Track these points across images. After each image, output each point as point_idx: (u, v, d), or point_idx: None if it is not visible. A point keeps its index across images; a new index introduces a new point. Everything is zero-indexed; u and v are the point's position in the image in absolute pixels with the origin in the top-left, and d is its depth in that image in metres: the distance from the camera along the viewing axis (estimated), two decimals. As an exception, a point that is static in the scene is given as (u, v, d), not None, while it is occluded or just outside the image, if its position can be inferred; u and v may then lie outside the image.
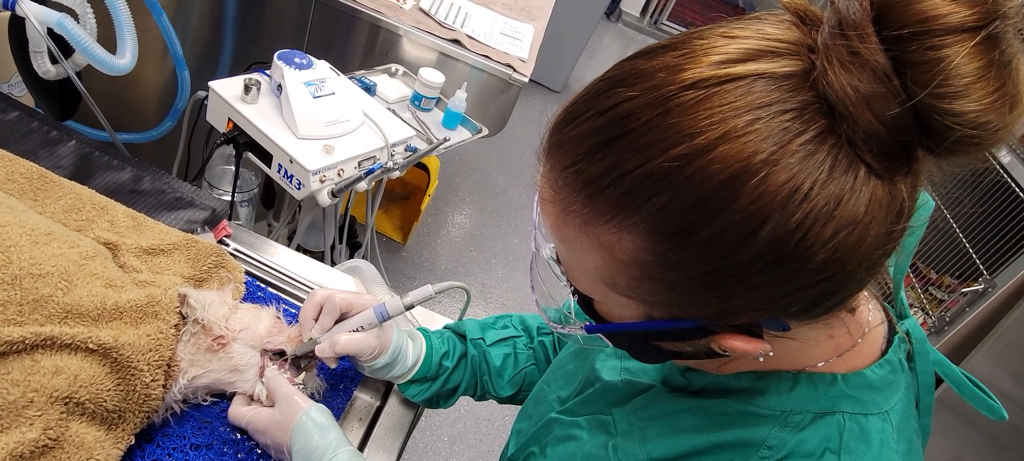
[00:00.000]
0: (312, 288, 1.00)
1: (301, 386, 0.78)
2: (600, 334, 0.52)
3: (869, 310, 0.53)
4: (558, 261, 0.52)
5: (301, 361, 0.79)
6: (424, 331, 0.88)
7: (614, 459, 0.57)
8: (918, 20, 0.35)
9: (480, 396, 0.90)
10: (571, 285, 0.50)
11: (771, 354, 0.45)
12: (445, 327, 0.92)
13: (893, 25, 0.36)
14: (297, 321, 0.81)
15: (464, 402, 2.23)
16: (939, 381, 0.55)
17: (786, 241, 0.38)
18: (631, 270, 0.43)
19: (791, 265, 0.39)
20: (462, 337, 0.90)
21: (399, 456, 0.86)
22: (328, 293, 0.79)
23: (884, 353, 0.51)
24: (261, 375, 0.78)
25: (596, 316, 0.51)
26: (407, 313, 0.81)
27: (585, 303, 0.51)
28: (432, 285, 0.76)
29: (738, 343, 0.45)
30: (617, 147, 0.40)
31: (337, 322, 0.79)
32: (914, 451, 0.51)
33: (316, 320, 0.79)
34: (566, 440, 0.64)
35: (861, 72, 0.36)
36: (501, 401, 0.91)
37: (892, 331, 0.53)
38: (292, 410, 0.72)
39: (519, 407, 0.84)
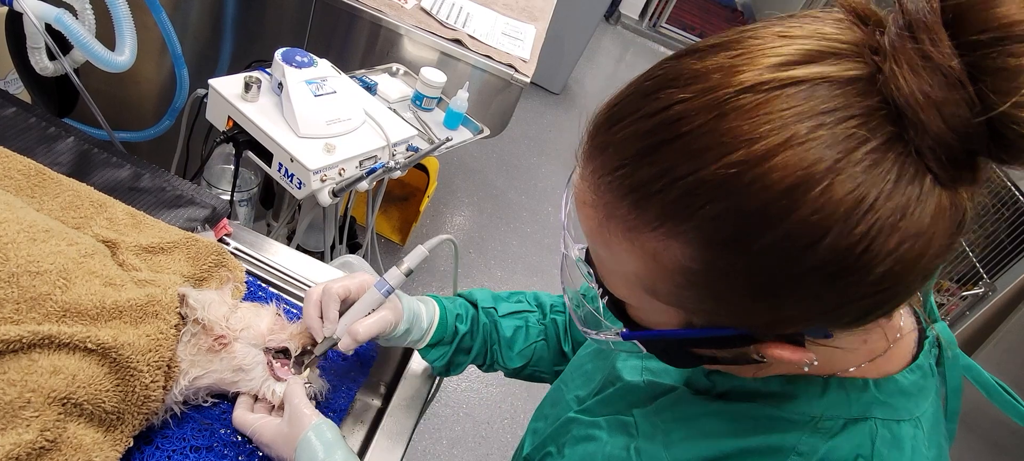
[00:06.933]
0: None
1: (307, 385, 0.76)
2: (635, 340, 0.50)
3: (902, 314, 0.52)
4: (588, 261, 0.50)
5: (304, 358, 0.78)
6: (434, 297, 0.87)
7: None
8: (997, 25, 0.33)
9: (488, 366, 0.89)
10: (601, 287, 0.49)
11: (816, 363, 0.44)
12: (457, 294, 0.91)
13: (969, 30, 0.34)
14: (299, 318, 0.79)
15: (463, 405, 2.21)
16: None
17: (848, 253, 0.36)
18: (676, 278, 0.41)
19: (851, 277, 0.37)
20: (474, 305, 0.88)
21: (401, 459, 0.85)
22: (322, 287, 0.77)
23: (915, 357, 0.50)
24: (271, 371, 0.76)
25: (627, 319, 0.49)
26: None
27: (616, 306, 0.49)
28: (423, 245, 0.76)
29: (783, 353, 0.43)
30: (668, 151, 0.38)
31: (342, 311, 0.78)
32: (943, 457, 0.50)
33: (322, 317, 0.77)
34: (585, 440, 0.62)
35: (933, 77, 0.34)
36: (508, 373, 0.90)
37: (922, 334, 0.52)
38: (299, 424, 0.71)
39: (530, 411, 0.82)
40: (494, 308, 0.88)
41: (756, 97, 0.36)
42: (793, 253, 0.37)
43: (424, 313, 0.82)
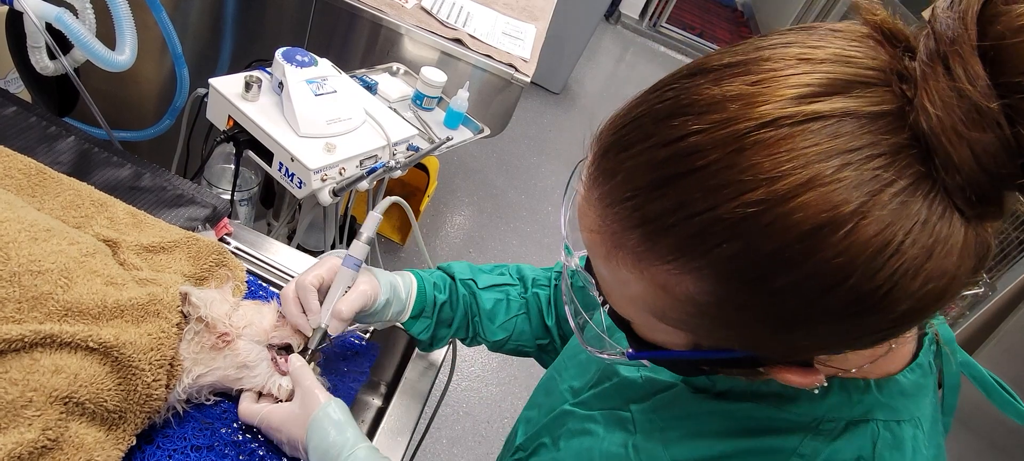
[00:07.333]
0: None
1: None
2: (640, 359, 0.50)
3: None
4: (589, 270, 0.49)
5: (305, 354, 0.79)
6: (410, 270, 0.87)
7: (635, 460, 0.55)
8: None
9: (471, 339, 0.90)
10: (602, 297, 0.48)
11: (825, 385, 0.44)
12: (437, 267, 0.91)
13: (1009, 70, 0.32)
14: None
15: (463, 404, 2.22)
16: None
17: (871, 295, 0.35)
18: (686, 307, 0.40)
19: (872, 316, 0.36)
20: (451, 277, 0.89)
21: (403, 457, 0.85)
22: (294, 283, 0.78)
23: (915, 355, 0.50)
24: (275, 367, 0.77)
25: (631, 332, 0.49)
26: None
27: (619, 317, 0.48)
28: (374, 210, 0.78)
29: (792, 376, 0.43)
30: (683, 185, 0.36)
31: (321, 298, 0.78)
32: (941, 456, 0.50)
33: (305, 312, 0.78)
34: (581, 434, 0.62)
35: (967, 115, 0.32)
36: (491, 346, 0.91)
37: (922, 332, 0.52)
38: (310, 404, 0.71)
39: (522, 403, 0.82)
40: (473, 280, 0.88)
41: (778, 132, 0.34)
42: (813, 295, 0.36)
43: (401, 284, 0.83)
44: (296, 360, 0.76)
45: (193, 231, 0.91)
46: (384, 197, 0.80)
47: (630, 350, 0.49)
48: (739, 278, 0.37)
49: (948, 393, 0.53)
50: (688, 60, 0.41)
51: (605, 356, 0.52)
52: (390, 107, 1.45)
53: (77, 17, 1.06)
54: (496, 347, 0.90)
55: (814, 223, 0.34)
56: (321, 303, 0.77)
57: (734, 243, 0.36)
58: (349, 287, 0.77)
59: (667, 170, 0.37)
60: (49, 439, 0.61)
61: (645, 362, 0.51)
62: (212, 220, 0.97)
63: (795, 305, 0.37)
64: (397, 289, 0.82)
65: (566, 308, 0.56)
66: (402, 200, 0.83)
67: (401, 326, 0.86)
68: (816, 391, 0.46)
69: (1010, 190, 0.35)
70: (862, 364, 0.47)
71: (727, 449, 0.49)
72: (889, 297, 0.35)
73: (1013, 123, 0.32)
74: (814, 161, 0.34)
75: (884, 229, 0.34)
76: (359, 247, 0.77)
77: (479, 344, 0.91)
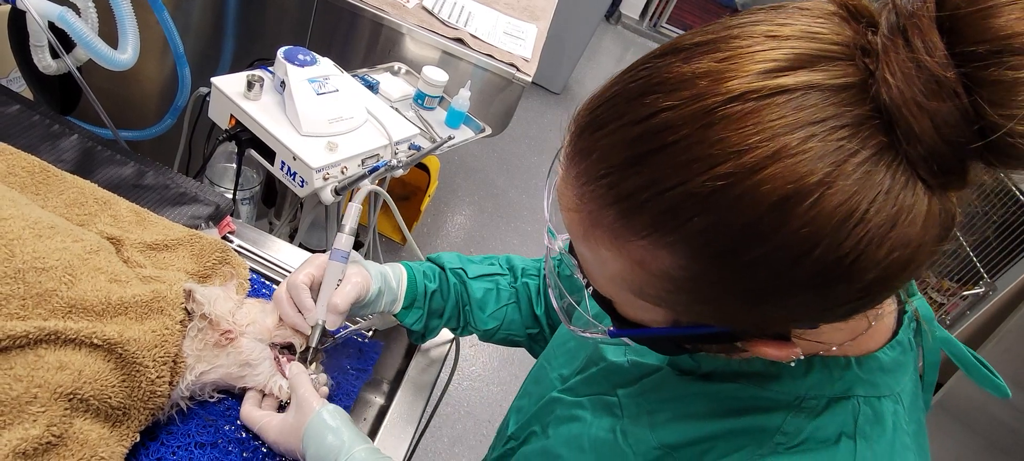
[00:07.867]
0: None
1: (314, 379, 0.77)
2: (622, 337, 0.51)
3: None
4: (572, 253, 0.50)
5: (308, 354, 0.79)
6: (400, 262, 0.88)
7: (623, 444, 0.56)
8: (994, 37, 0.32)
9: (462, 329, 0.90)
10: (585, 278, 0.49)
11: (801, 357, 0.44)
12: (426, 258, 0.91)
13: (965, 40, 0.33)
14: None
15: (465, 403, 2.22)
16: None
17: (838, 264, 0.36)
18: (663, 282, 0.41)
19: (840, 285, 0.37)
20: (441, 267, 0.89)
21: (406, 455, 0.85)
22: (285, 285, 0.78)
23: (895, 333, 0.51)
24: (278, 366, 0.77)
25: (614, 312, 0.50)
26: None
27: (602, 298, 0.49)
28: (353, 201, 0.78)
29: (769, 349, 0.44)
30: (654, 161, 0.37)
31: (315, 295, 0.78)
32: (922, 431, 0.51)
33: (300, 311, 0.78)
34: (569, 421, 0.63)
35: (927, 86, 0.33)
36: (482, 336, 0.91)
37: (901, 309, 0.53)
38: (305, 413, 0.71)
39: (514, 398, 0.83)
40: (462, 269, 0.89)
41: (744, 106, 0.35)
42: (782, 266, 0.37)
43: (391, 274, 0.83)
44: (294, 368, 0.76)
45: (196, 229, 0.91)
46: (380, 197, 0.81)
47: (611, 328, 0.50)
48: (711, 251, 0.37)
49: (927, 370, 0.54)
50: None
51: (588, 335, 0.52)
52: (392, 106, 1.45)
53: (79, 16, 1.07)
54: (487, 336, 0.91)
55: (781, 194, 0.35)
56: (314, 301, 0.77)
57: (705, 217, 0.36)
58: (340, 280, 0.77)
59: (640, 147, 0.38)
60: (53, 435, 0.61)
61: (628, 341, 0.51)
62: (215, 218, 0.98)
63: (765, 276, 0.37)
64: (388, 278, 0.82)
65: (550, 292, 0.57)
66: (379, 189, 0.84)
67: (395, 318, 0.86)
68: (793, 364, 0.47)
69: (972, 160, 0.36)
70: (842, 342, 0.48)
71: (713, 430, 0.50)
72: (856, 266, 0.36)
73: (970, 92, 0.33)
74: (780, 133, 0.34)
75: (849, 199, 0.34)
76: (343, 239, 0.77)
77: (470, 333, 0.91)
